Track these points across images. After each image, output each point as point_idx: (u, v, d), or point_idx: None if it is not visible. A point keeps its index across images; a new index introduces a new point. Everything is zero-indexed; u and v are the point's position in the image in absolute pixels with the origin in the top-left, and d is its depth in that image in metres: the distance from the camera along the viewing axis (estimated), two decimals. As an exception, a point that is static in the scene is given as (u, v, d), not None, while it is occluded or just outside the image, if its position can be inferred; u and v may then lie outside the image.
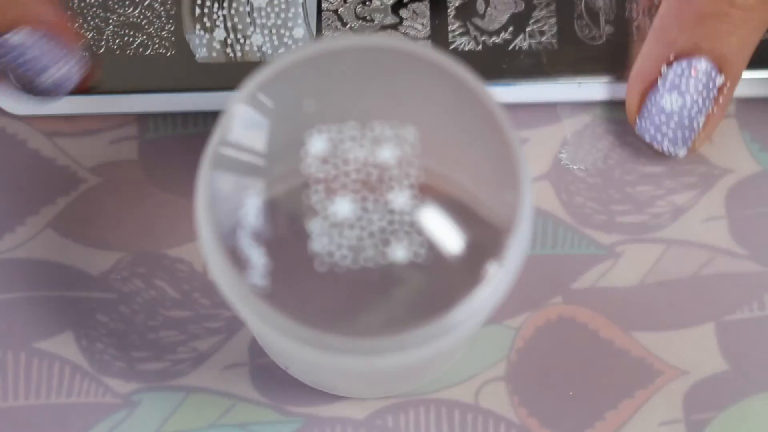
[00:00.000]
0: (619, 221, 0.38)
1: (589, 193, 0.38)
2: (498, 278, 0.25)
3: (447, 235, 0.25)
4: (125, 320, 0.36)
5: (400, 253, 0.24)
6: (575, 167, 0.38)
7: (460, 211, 0.25)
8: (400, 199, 0.25)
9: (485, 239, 0.25)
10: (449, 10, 0.36)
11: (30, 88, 0.29)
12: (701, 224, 0.38)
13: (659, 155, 0.38)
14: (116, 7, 0.36)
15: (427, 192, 0.25)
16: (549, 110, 0.39)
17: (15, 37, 0.27)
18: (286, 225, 0.25)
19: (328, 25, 0.35)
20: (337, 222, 0.24)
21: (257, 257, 0.25)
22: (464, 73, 0.27)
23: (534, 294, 0.37)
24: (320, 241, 0.24)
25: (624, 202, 0.38)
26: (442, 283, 0.25)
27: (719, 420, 0.36)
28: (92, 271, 0.37)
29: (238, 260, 0.25)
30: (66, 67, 0.29)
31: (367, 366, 0.26)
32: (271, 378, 0.36)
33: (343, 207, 0.24)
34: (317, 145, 0.25)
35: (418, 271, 0.24)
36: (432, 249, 0.24)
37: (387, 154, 0.25)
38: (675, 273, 0.37)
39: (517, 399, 0.36)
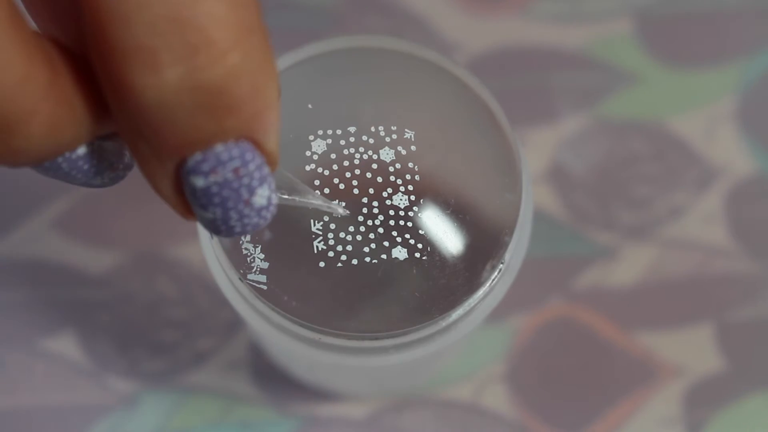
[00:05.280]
0: (619, 221, 0.38)
1: (588, 193, 0.38)
2: (497, 278, 0.25)
3: (446, 234, 0.25)
4: (125, 320, 0.36)
5: (400, 252, 0.24)
6: (575, 167, 0.38)
7: (459, 210, 0.25)
8: (400, 198, 0.25)
9: (485, 239, 0.25)
10: None
11: (226, 220, 0.19)
12: (700, 224, 0.38)
13: (658, 155, 0.38)
14: None
15: (426, 192, 0.25)
16: (549, 110, 0.39)
17: (241, 151, 0.18)
18: (286, 225, 0.25)
19: None
20: (337, 222, 0.24)
21: (257, 257, 0.25)
22: (464, 73, 0.27)
23: (533, 294, 0.37)
24: (320, 241, 0.24)
25: (623, 202, 0.38)
26: (441, 282, 0.25)
27: (718, 418, 0.36)
28: (93, 270, 0.37)
29: (238, 260, 0.25)
30: (272, 192, 0.19)
31: (367, 365, 0.26)
32: (271, 378, 0.36)
33: (343, 207, 0.24)
34: (318, 145, 0.25)
35: (418, 270, 0.24)
36: (432, 248, 0.24)
37: (387, 154, 0.25)
38: (674, 273, 0.37)
39: (516, 398, 0.36)
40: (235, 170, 0.18)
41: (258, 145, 0.18)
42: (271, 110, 0.18)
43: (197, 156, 0.18)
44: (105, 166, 0.20)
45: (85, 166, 0.20)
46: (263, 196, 0.19)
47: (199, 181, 0.18)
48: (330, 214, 0.25)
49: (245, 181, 0.19)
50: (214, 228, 0.19)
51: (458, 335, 0.26)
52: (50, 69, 0.17)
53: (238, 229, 0.19)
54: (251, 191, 0.19)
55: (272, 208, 0.19)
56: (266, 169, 0.19)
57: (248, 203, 0.19)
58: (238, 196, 0.19)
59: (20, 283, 0.37)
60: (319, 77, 0.27)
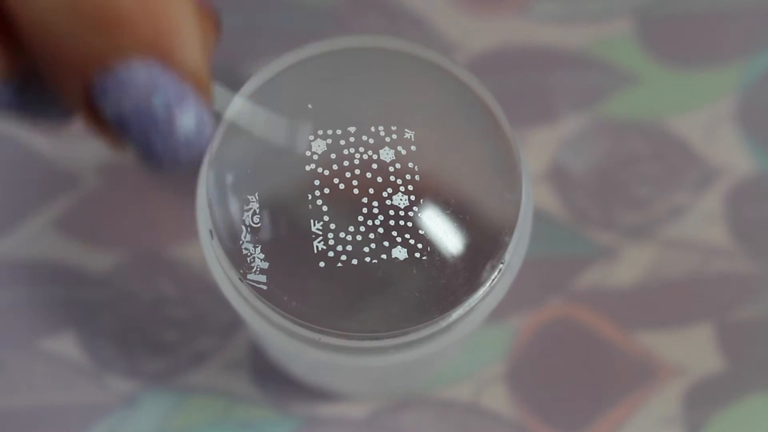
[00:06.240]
0: (619, 221, 0.38)
1: (588, 193, 0.38)
2: (497, 278, 0.25)
3: (446, 234, 0.25)
4: (125, 320, 0.36)
5: (400, 252, 0.24)
6: (575, 167, 0.38)
7: (459, 211, 0.25)
8: (400, 198, 0.25)
9: (485, 239, 0.25)
10: None
11: (150, 148, 0.18)
12: (700, 224, 0.38)
13: (658, 155, 0.38)
14: None
15: (426, 192, 0.25)
16: (549, 110, 0.39)
17: (142, 72, 0.17)
18: (286, 225, 0.25)
19: None
20: (337, 222, 0.24)
21: (257, 257, 0.25)
22: (464, 73, 0.27)
23: (533, 294, 0.37)
24: (320, 240, 0.24)
25: (623, 202, 0.38)
26: (441, 282, 0.25)
27: (717, 418, 0.36)
28: (93, 270, 0.37)
29: (238, 260, 0.25)
30: (199, 117, 0.18)
31: (367, 365, 0.26)
32: (271, 378, 0.36)
33: (343, 207, 0.24)
34: (318, 145, 0.25)
35: (418, 270, 0.24)
36: (431, 248, 0.24)
37: (387, 154, 0.25)
38: (674, 273, 0.37)
39: (516, 398, 0.36)
40: (146, 95, 0.17)
41: (173, 65, 0.17)
42: (176, 24, 0.17)
43: (102, 80, 0.17)
44: (31, 96, 0.19)
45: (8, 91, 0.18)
46: (188, 122, 0.17)
47: (108, 108, 0.17)
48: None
49: (160, 107, 0.17)
50: (147, 160, 0.18)
51: (458, 335, 0.26)
52: None
53: (169, 159, 0.18)
54: (171, 117, 0.17)
55: (204, 135, 0.18)
56: (187, 92, 0.17)
57: (171, 131, 0.17)
58: (155, 123, 0.17)
59: (20, 283, 0.37)
60: (319, 77, 0.27)
